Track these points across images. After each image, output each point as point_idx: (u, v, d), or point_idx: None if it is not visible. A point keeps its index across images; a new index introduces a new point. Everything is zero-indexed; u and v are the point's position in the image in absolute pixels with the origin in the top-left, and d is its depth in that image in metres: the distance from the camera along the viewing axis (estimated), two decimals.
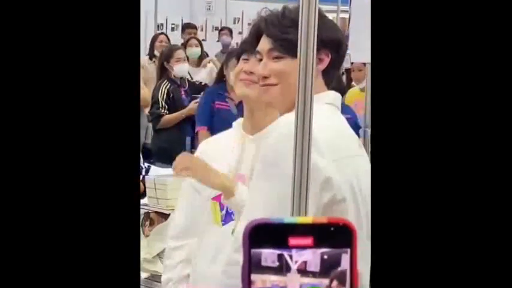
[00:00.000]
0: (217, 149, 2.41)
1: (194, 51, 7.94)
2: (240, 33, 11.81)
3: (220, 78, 5.54)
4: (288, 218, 0.60)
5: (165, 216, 3.87)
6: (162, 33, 8.68)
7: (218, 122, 5.44)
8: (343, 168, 1.92)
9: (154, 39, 7.85)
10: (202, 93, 6.29)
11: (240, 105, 5.59)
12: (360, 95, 4.82)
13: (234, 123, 2.49)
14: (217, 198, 2.30)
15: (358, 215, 1.94)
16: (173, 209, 3.82)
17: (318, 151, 1.86)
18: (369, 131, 4.95)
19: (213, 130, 5.54)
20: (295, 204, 1.74)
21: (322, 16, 2.00)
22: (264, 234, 0.60)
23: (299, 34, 1.82)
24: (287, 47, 2.02)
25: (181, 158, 2.25)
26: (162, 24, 11.23)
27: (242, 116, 5.34)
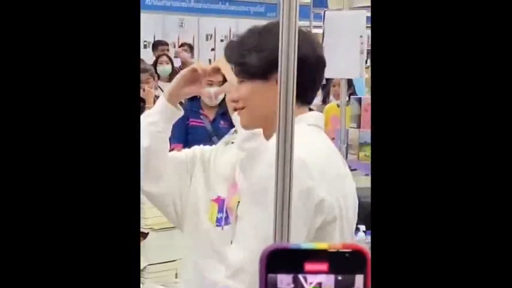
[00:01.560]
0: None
1: (165, 69, 8.10)
2: (213, 49, 11.86)
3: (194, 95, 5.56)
4: (305, 244, 0.62)
5: (143, 235, 3.86)
6: None
7: (193, 139, 5.44)
8: (333, 190, 1.94)
9: None
10: None
11: (213, 123, 5.62)
12: (337, 110, 4.87)
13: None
14: (216, 200, 2.34)
15: (344, 234, 1.97)
16: (151, 228, 3.83)
17: (309, 175, 1.89)
18: (344, 146, 4.99)
19: (187, 147, 5.54)
20: (278, 229, 1.72)
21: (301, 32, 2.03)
22: (280, 259, 0.61)
23: (279, 53, 1.80)
24: (243, 70, 2.06)
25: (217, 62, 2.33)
26: None
27: (217, 133, 5.34)
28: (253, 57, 1.96)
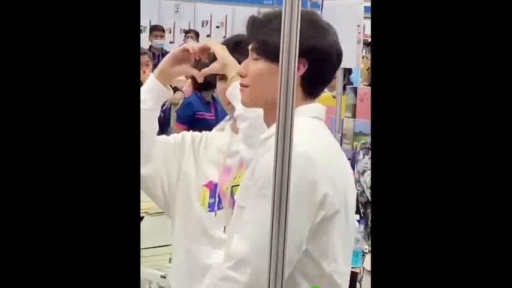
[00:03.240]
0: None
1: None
2: (209, 36, 11.81)
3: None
4: None
5: None
6: None
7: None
8: (336, 184, 1.95)
9: None
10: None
11: None
12: (332, 101, 4.88)
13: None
14: (208, 185, 2.36)
15: (346, 228, 1.99)
16: (146, 212, 3.82)
17: (314, 170, 1.90)
18: (339, 135, 5.01)
19: None
20: (275, 221, 1.68)
21: (313, 22, 2.02)
22: None
23: (281, 40, 1.79)
24: (264, 49, 2.03)
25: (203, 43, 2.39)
26: None
27: None
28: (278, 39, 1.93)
